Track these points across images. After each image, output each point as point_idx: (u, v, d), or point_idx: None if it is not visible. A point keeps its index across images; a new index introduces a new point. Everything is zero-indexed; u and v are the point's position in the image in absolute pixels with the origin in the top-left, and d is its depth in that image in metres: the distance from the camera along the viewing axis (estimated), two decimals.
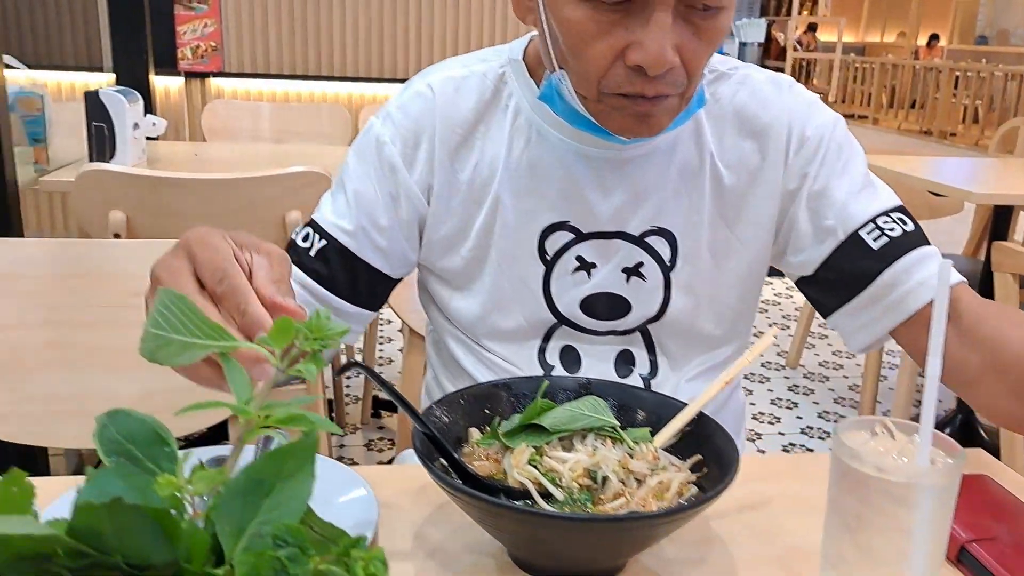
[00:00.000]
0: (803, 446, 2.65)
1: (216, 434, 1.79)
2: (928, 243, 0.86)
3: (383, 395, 0.68)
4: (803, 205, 0.88)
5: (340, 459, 1.60)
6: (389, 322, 3.41)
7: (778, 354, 3.35)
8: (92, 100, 2.09)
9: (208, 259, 0.59)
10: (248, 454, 0.47)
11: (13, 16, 3.54)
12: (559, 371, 0.91)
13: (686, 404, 0.73)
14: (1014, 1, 15.17)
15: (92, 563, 0.35)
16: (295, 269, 0.88)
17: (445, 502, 0.71)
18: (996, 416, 0.84)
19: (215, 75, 3.93)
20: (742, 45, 11.12)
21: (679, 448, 0.71)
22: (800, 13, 12.47)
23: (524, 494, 0.64)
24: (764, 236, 0.91)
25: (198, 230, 0.62)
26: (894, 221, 0.86)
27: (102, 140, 2.10)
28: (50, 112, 2.09)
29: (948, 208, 2.85)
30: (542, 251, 0.89)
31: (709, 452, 0.68)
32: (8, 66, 1.80)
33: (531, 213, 0.88)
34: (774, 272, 1.03)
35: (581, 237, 0.88)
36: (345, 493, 0.71)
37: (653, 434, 0.71)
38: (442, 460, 0.66)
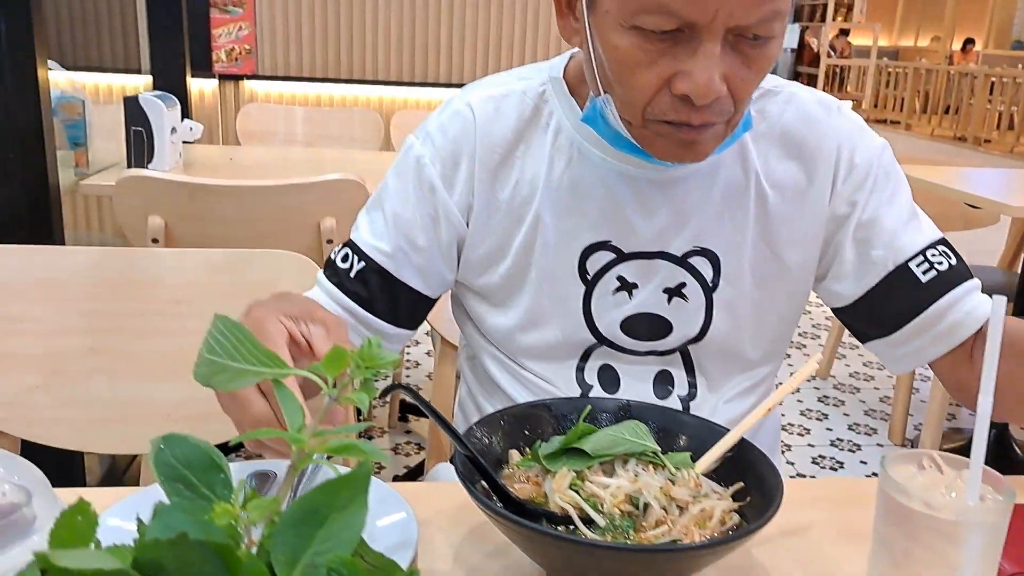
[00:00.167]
0: (832, 458, 2.62)
1: None
2: (972, 276, 0.87)
3: (411, 398, 0.68)
4: (850, 233, 0.88)
5: None
6: None
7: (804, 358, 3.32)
8: (131, 105, 2.12)
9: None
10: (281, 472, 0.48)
11: (53, 19, 3.60)
12: (597, 390, 0.91)
13: (727, 429, 0.73)
14: None
15: None
16: (336, 290, 0.89)
17: (483, 521, 0.71)
18: None
19: (249, 78, 3.97)
20: None
21: (720, 474, 0.71)
22: (834, 19, 12.33)
23: (565, 519, 0.64)
24: (808, 259, 0.90)
25: (254, 315, 0.64)
26: (941, 254, 0.86)
27: (140, 144, 2.13)
28: (90, 116, 2.12)
29: (984, 219, 2.81)
30: (583, 271, 0.89)
31: (752, 480, 0.67)
32: (48, 69, 1.83)
33: (572, 233, 0.88)
34: None
35: (622, 257, 0.88)
36: (385, 512, 0.71)
37: (694, 459, 0.71)
38: (483, 482, 0.67)
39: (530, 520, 0.61)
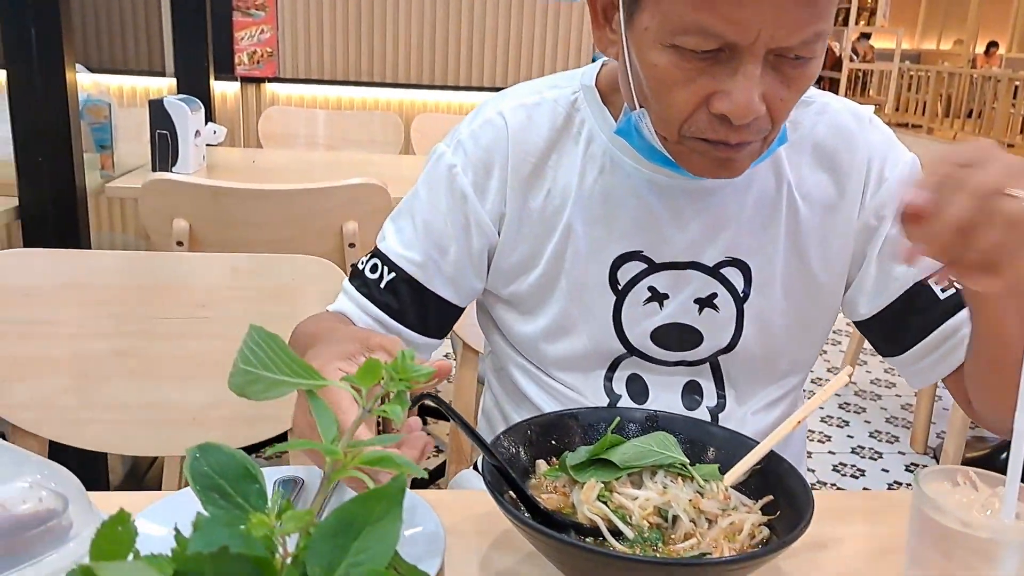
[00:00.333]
0: (854, 466, 2.60)
1: None
2: None
3: (431, 402, 0.68)
4: (876, 248, 0.88)
5: None
6: None
7: (828, 370, 3.30)
8: (156, 108, 2.14)
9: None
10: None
11: (79, 22, 3.64)
12: (625, 400, 0.91)
13: (756, 441, 0.72)
14: None
15: None
16: (366, 302, 0.88)
17: (509, 529, 0.71)
18: None
19: (270, 80, 4.00)
20: None
21: (748, 486, 0.71)
22: (856, 23, 12.23)
23: (593, 530, 0.64)
24: (837, 270, 0.90)
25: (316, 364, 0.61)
26: None
27: (165, 147, 2.15)
28: (115, 119, 2.14)
29: None
30: (614, 280, 0.88)
31: (781, 493, 0.67)
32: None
33: (603, 242, 0.88)
34: None
35: (654, 267, 0.88)
36: (412, 520, 0.71)
37: (722, 471, 0.71)
38: (510, 492, 0.66)
39: (557, 531, 0.61)
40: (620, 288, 0.88)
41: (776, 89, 0.72)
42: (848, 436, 2.80)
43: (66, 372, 1.13)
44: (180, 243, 1.76)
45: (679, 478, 0.68)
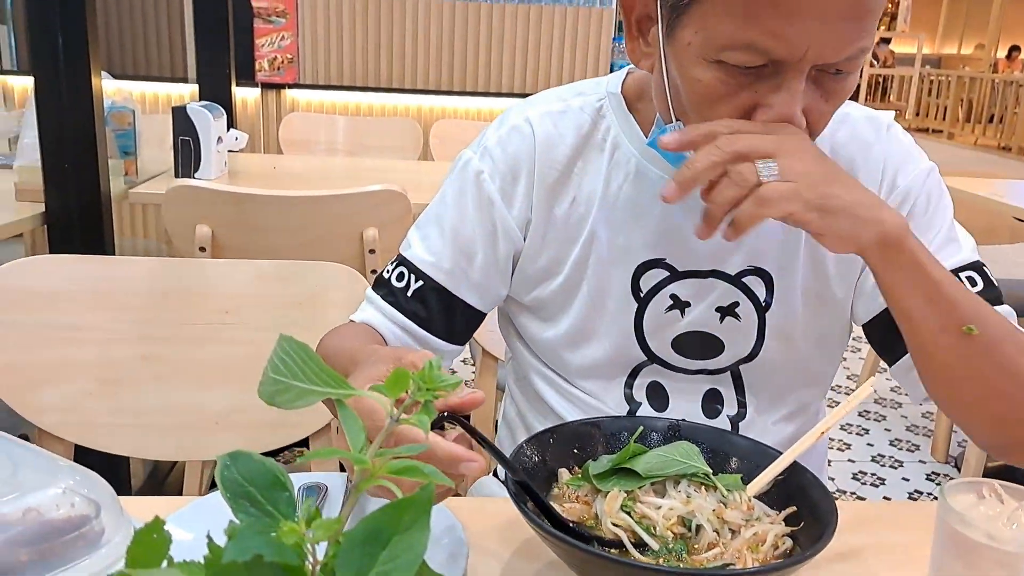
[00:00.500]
0: (874, 475, 2.58)
1: None
2: (1002, 302, 0.85)
3: (465, 431, 0.68)
4: None
5: None
6: None
7: (848, 377, 3.27)
8: (179, 115, 2.16)
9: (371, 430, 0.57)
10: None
11: (103, 30, 3.69)
12: (645, 407, 0.91)
13: (779, 452, 0.72)
14: None
15: None
16: (393, 311, 0.89)
17: (531, 537, 0.72)
18: None
19: (290, 86, 4.03)
20: None
21: (771, 496, 0.71)
22: (877, 28, 12.13)
23: (616, 540, 0.64)
24: (850, 280, 0.90)
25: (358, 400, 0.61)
26: (967, 280, 0.84)
27: (188, 153, 2.17)
28: (140, 125, 2.17)
29: None
30: (636, 288, 0.88)
31: (804, 504, 0.67)
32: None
33: (626, 249, 0.88)
34: None
35: (676, 275, 0.88)
36: (435, 527, 0.72)
37: (745, 481, 0.71)
38: (532, 502, 0.67)
39: (580, 541, 0.61)
40: (642, 295, 0.89)
41: (816, 103, 0.72)
42: (868, 444, 2.78)
43: (92, 377, 1.14)
44: (203, 249, 1.78)
45: (702, 488, 0.69)
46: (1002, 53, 15.03)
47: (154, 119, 2.60)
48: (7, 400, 1.10)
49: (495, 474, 1.07)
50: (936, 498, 0.58)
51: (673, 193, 0.72)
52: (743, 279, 0.88)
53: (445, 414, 0.60)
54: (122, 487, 2.01)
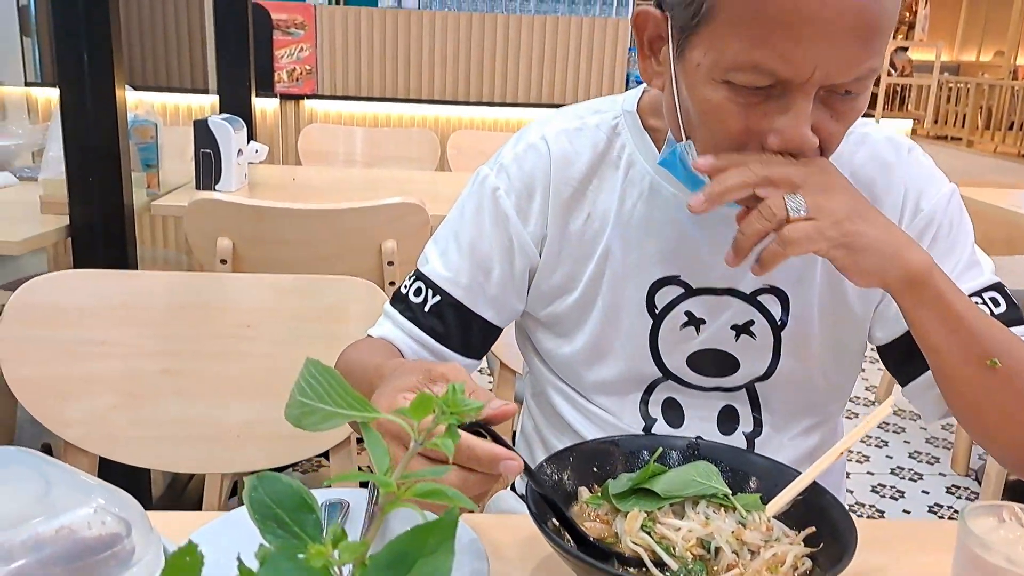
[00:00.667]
0: (893, 487, 2.56)
1: None
2: (1021, 322, 0.85)
3: (491, 439, 0.69)
4: None
5: None
6: None
7: (867, 388, 3.25)
8: (201, 128, 2.19)
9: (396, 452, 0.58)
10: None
11: (125, 43, 3.74)
12: (661, 424, 0.92)
13: (798, 472, 0.72)
14: None
15: None
16: (411, 326, 0.90)
17: (551, 555, 0.72)
18: None
19: (309, 97, 4.07)
20: None
21: (790, 516, 0.71)
22: (895, 37, 12.06)
23: (636, 560, 0.64)
24: (872, 300, 0.90)
25: (378, 406, 0.61)
26: (988, 301, 0.85)
27: (209, 166, 2.20)
28: (162, 138, 2.19)
29: None
30: (651, 304, 0.89)
31: (824, 525, 0.67)
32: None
33: (641, 266, 0.89)
34: None
35: (691, 292, 0.88)
36: (457, 547, 0.72)
37: (764, 501, 0.71)
38: (554, 520, 0.67)
39: (600, 560, 0.62)
40: (657, 312, 0.89)
41: (826, 123, 0.73)
42: (887, 456, 2.76)
43: (116, 390, 1.16)
44: (223, 261, 1.80)
45: (721, 508, 0.69)
46: (1022, 60, 14.90)
47: (175, 131, 2.63)
48: (35, 413, 1.12)
49: (512, 488, 1.08)
50: (957, 511, 0.58)
51: (700, 205, 0.73)
52: (758, 297, 0.88)
53: (481, 424, 0.60)
54: (143, 498, 2.02)
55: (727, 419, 0.92)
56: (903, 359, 0.88)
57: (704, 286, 0.88)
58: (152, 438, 1.18)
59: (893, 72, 11.19)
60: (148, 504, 0.56)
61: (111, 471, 1.17)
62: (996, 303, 0.86)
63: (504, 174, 0.91)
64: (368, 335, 0.93)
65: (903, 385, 0.91)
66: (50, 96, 3.91)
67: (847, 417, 0.98)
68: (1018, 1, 14.18)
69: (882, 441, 2.86)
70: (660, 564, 0.64)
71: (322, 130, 3.32)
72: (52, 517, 0.51)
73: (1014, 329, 0.83)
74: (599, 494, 0.72)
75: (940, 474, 2.66)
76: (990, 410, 0.79)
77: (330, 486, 0.56)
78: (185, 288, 1.21)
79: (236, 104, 2.77)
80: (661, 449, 0.74)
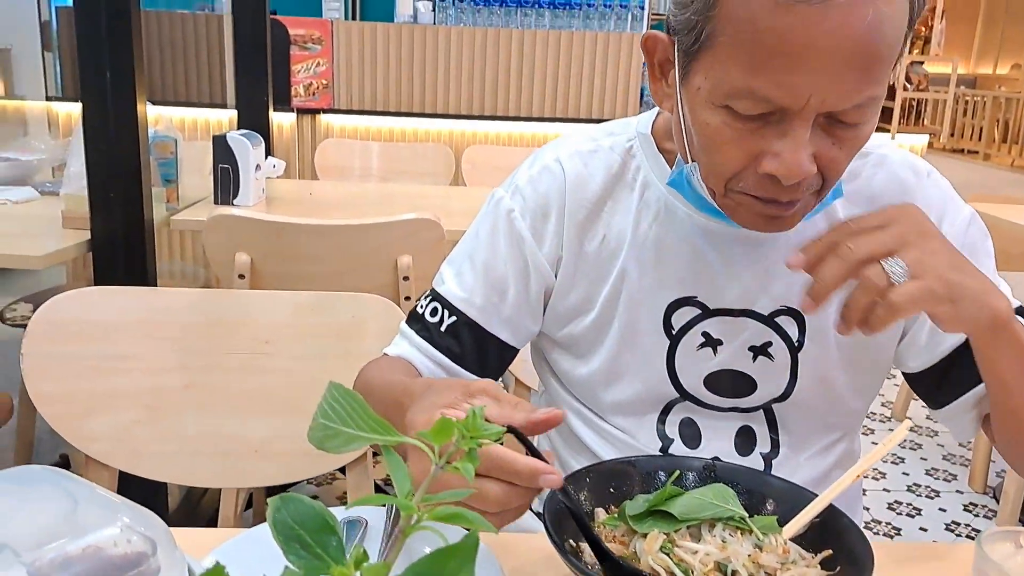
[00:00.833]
0: (910, 504, 2.54)
1: None
2: None
3: (524, 445, 0.70)
4: None
5: None
6: None
7: (883, 404, 3.23)
8: (219, 143, 2.22)
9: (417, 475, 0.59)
10: None
11: (146, 58, 3.79)
12: (678, 444, 0.92)
13: (815, 494, 0.73)
14: None
15: None
16: (427, 345, 0.91)
17: (568, 574, 0.72)
18: None
19: (325, 111, 4.10)
20: None
21: (807, 538, 0.71)
22: (910, 52, 12.01)
23: None
24: (900, 325, 0.90)
25: (418, 425, 0.62)
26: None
27: (227, 181, 2.22)
28: (181, 153, 2.22)
29: None
30: (667, 325, 0.90)
31: (841, 549, 0.67)
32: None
33: (657, 287, 0.89)
34: None
35: (708, 313, 0.89)
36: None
37: (781, 523, 0.71)
38: (570, 540, 0.68)
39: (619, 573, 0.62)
40: (674, 333, 0.90)
41: (827, 150, 0.72)
42: (904, 473, 2.74)
43: (138, 405, 1.17)
44: (242, 276, 1.82)
45: (738, 531, 0.69)
46: None
47: (194, 145, 2.66)
48: (58, 429, 1.13)
49: (532, 510, 1.08)
50: (974, 529, 0.58)
51: (811, 307, 0.74)
52: (776, 319, 0.88)
53: (513, 429, 0.60)
54: (161, 512, 2.04)
55: (744, 440, 0.92)
56: (936, 385, 0.90)
57: (721, 307, 0.89)
58: (173, 453, 1.19)
59: (909, 86, 11.14)
60: (165, 517, 0.57)
61: (129, 484, 1.18)
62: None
63: (519, 196, 0.92)
64: (384, 354, 0.94)
65: (934, 408, 0.92)
66: (71, 111, 3.96)
67: (863, 434, 0.99)
68: None
69: (899, 458, 2.84)
70: None
71: (338, 145, 3.35)
72: (79, 536, 0.52)
73: None
74: (616, 515, 0.72)
75: (957, 491, 2.64)
76: None
77: (347, 507, 0.56)
78: (206, 305, 1.22)
79: (254, 118, 2.80)
80: (678, 472, 0.74)
